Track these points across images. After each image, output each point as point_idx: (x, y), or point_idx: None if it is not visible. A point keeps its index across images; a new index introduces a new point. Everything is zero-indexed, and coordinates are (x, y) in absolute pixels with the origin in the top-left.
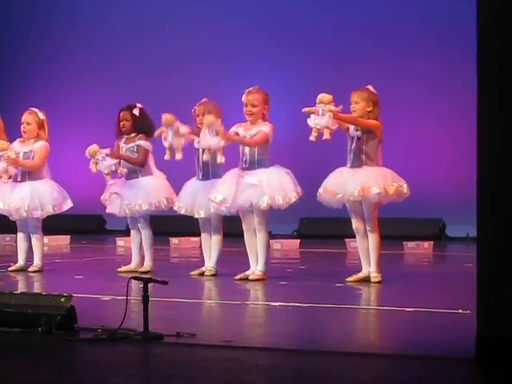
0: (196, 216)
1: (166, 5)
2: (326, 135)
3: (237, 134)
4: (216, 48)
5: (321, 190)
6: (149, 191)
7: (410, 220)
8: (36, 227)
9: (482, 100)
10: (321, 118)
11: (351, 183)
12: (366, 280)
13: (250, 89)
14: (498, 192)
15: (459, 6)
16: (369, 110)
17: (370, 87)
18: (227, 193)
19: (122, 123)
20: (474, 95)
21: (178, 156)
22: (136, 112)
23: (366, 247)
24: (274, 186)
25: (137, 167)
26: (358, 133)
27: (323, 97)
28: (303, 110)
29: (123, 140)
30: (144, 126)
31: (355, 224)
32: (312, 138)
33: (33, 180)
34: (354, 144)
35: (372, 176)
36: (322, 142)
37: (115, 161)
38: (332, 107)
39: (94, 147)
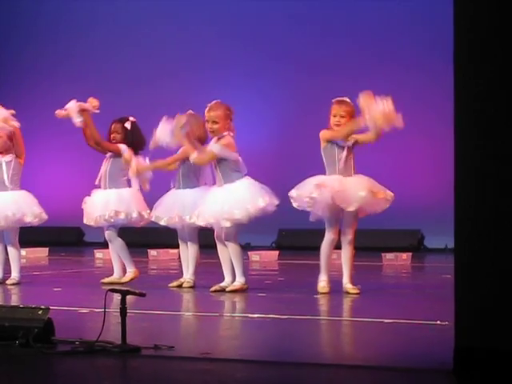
0: (162, 224)
1: (141, 18)
2: None
3: None
4: (192, 58)
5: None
6: (103, 205)
7: (389, 231)
8: (13, 239)
9: (458, 113)
10: None
11: (355, 189)
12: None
13: (211, 104)
14: (475, 203)
15: (444, 13)
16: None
17: (347, 99)
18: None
19: (112, 135)
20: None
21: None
22: (128, 125)
23: (328, 255)
24: (231, 203)
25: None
26: (349, 143)
27: None
28: None
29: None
30: (134, 141)
31: (333, 235)
32: None
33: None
34: (344, 152)
35: (365, 182)
36: (298, 152)
37: None
38: None
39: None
